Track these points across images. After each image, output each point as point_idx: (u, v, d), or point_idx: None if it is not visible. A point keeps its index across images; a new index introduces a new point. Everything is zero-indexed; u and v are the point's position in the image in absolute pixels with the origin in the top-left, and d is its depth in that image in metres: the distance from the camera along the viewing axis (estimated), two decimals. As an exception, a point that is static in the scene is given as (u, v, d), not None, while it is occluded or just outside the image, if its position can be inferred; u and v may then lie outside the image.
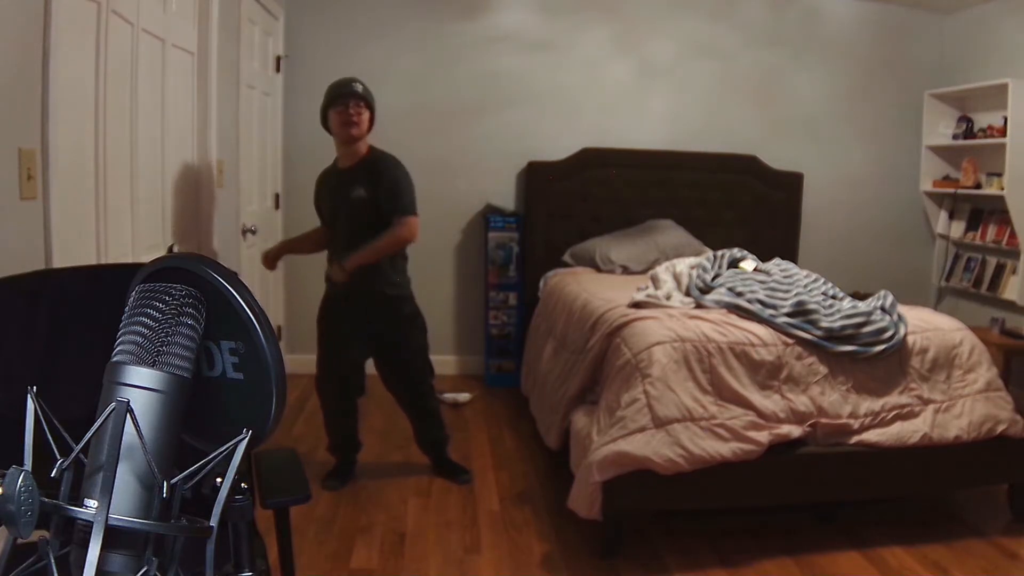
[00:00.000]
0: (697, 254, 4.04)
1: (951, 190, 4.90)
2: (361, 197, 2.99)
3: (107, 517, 0.80)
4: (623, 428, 2.54)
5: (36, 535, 0.79)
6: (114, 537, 0.82)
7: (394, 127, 4.54)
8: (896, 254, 5.17)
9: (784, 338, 2.77)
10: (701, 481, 2.54)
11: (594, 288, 3.61)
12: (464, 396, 4.34)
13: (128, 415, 0.83)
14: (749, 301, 2.93)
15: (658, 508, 2.74)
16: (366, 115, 3.01)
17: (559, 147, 4.68)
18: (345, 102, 2.96)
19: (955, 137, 4.89)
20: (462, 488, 3.15)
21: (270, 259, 3.37)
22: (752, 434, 2.58)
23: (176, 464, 0.89)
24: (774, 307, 2.88)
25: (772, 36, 4.93)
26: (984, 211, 4.78)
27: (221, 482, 0.89)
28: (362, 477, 3.23)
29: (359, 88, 3.00)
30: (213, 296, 0.92)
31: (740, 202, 4.83)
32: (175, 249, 2.75)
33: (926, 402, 2.82)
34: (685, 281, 3.31)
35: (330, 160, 3.20)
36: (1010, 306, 4.47)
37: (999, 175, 4.43)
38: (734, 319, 2.86)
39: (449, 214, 4.70)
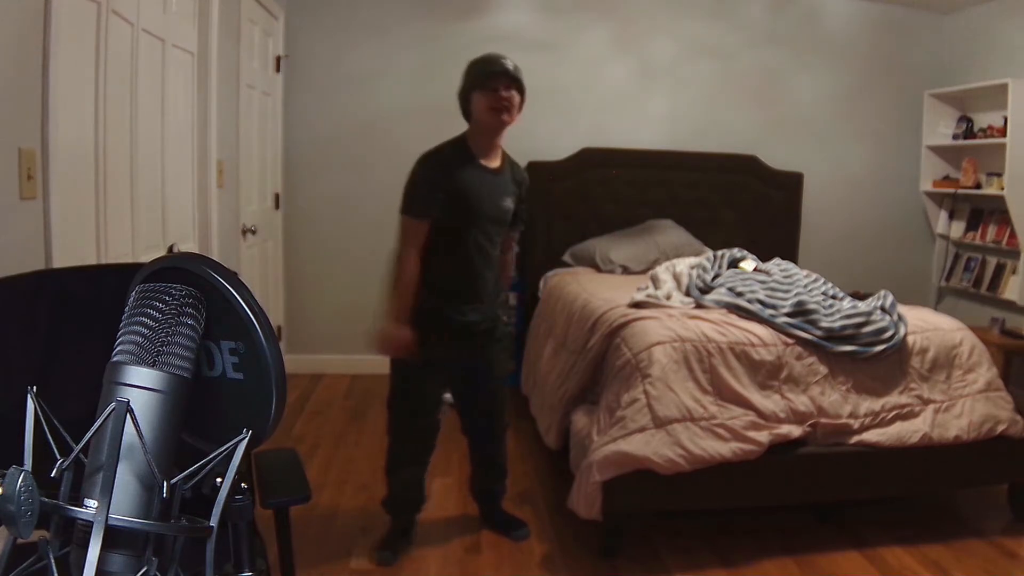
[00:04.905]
0: (697, 254, 4.04)
1: (951, 190, 4.90)
2: (511, 209, 2.55)
3: (107, 517, 0.80)
4: (623, 428, 2.54)
5: (36, 535, 0.80)
6: (114, 537, 0.82)
7: (394, 127, 4.56)
8: (896, 254, 5.17)
9: (784, 338, 2.77)
10: (701, 481, 2.54)
11: (594, 288, 3.61)
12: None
13: (128, 415, 0.83)
14: (749, 301, 2.93)
15: (658, 508, 2.74)
16: (517, 100, 2.46)
17: (559, 147, 4.68)
18: (495, 84, 2.42)
19: (955, 137, 4.89)
20: (462, 488, 3.10)
21: (400, 342, 2.44)
22: (752, 434, 2.58)
23: (176, 464, 0.89)
24: (774, 307, 2.88)
25: (772, 36, 4.92)
26: (984, 211, 4.78)
27: (221, 482, 0.89)
28: (362, 475, 3.23)
29: (510, 65, 2.45)
30: (213, 296, 0.92)
31: (740, 202, 4.83)
32: (175, 249, 2.74)
33: (926, 402, 2.82)
34: (685, 281, 3.31)
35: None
36: (1010, 306, 4.47)
37: (999, 175, 4.43)
38: (734, 319, 2.86)
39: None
